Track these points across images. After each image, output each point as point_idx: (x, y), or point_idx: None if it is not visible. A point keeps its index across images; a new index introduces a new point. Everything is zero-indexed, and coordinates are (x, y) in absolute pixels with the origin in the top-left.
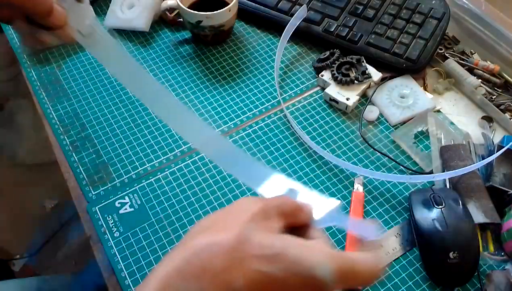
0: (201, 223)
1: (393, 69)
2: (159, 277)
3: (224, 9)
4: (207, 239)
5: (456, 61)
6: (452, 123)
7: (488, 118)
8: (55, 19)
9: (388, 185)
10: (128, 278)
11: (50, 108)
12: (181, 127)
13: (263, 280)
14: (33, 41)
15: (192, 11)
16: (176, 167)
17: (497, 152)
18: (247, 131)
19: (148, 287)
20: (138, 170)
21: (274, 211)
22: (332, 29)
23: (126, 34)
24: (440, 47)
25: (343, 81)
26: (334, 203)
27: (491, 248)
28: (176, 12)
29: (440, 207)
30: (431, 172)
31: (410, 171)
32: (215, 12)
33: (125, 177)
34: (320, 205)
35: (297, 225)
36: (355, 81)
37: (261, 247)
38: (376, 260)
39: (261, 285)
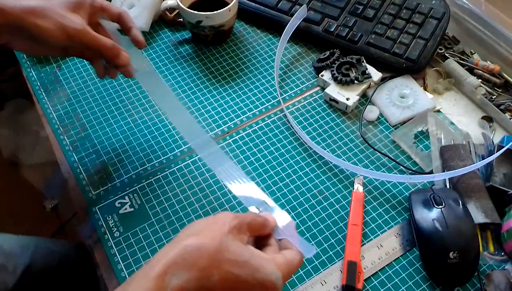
0: (190, 228)
1: (393, 69)
2: (160, 263)
3: (224, 9)
4: (196, 242)
5: (456, 61)
6: (452, 123)
7: (488, 118)
8: (121, 60)
9: (388, 185)
10: (128, 278)
11: (50, 108)
12: (208, 159)
13: (233, 279)
14: (104, 74)
15: (192, 11)
16: (176, 167)
17: (497, 151)
18: (247, 131)
19: (154, 270)
20: (138, 170)
21: (246, 227)
22: (332, 29)
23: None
24: (440, 47)
25: (343, 81)
26: (287, 219)
27: (491, 248)
28: (176, 12)
29: (440, 207)
30: (431, 172)
31: (410, 171)
32: (215, 12)
33: (125, 177)
34: (279, 220)
35: (261, 236)
36: (355, 81)
37: (234, 254)
38: (300, 255)
39: (231, 283)
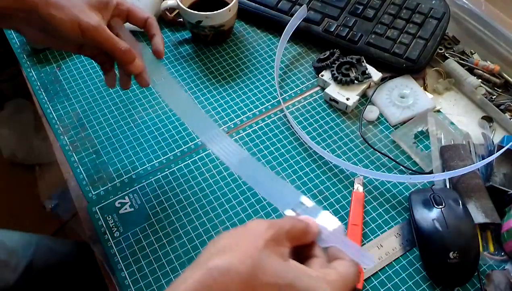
0: (215, 244)
1: (393, 69)
2: None
3: (224, 9)
4: (224, 263)
5: (456, 61)
6: (452, 123)
7: (488, 118)
8: (134, 67)
9: (388, 185)
10: (128, 278)
11: (50, 108)
12: (225, 156)
13: None
14: (114, 83)
15: (192, 11)
16: (176, 167)
17: (497, 151)
18: (247, 131)
19: None
20: (138, 170)
21: (285, 236)
22: (332, 29)
23: None
24: (440, 47)
25: (343, 81)
26: (336, 223)
27: (491, 248)
28: (176, 12)
29: (440, 207)
30: (431, 172)
31: (410, 171)
32: (215, 12)
33: (125, 177)
34: (325, 224)
35: (303, 245)
36: (355, 81)
37: (274, 276)
38: (355, 266)
39: None
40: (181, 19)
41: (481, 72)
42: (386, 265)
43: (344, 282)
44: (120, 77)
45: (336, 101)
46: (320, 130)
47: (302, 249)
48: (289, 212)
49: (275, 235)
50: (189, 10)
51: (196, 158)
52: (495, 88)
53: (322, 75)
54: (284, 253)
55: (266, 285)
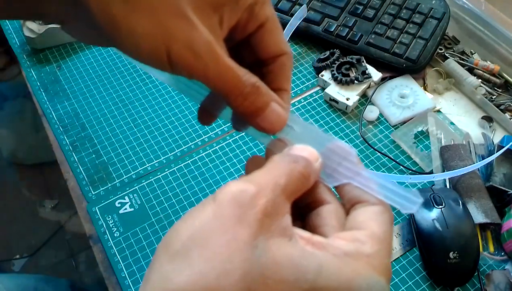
0: (174, 240)
1: (393, 69)
2: None
3: None
4: (187, 285)
5: (456, 61)
6: (452, 123)
7: (488, 118)
8: (268, 122)
9: None
10: (128, 278)
11: (50, 108)
12: None
13: None
14: (210, 120)
15: None
16: (176, 167)
17: (497, 151)
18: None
19: None
20: (138, 170)
21: (282, 198)
22: (332, 29)
23: None
24: (440, 47)
25: (343, 81)
26: (347, 149)
27: (491, 248)
28: None
29: (440, 207)
30: (431, 172)
31: (410, 171)
32: None
33: (125, 176)
34: (330, 151)
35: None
36: (355, 81)
37: (283, 284)
38: (389, 210)
39: None
40: None
41: (481, 72)
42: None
43: (387, 247)
44: (234, 120)
45: (336, 101)
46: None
47: (304, 198)
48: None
49: (268, 204)
50: None
51: (196, 158)
52: (495, 88)
53: (322, 75)
54: (286, 226)
55: None
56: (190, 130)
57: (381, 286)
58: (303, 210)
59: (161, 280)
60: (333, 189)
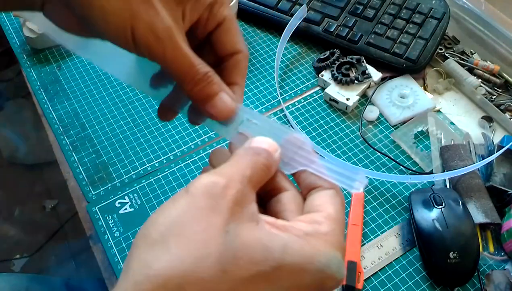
0: (151, 229)
1: (393, 69)
2: None
3: None
4: (170, 270)
5: (456, 61)
6: (452, 123)
7: (488, 118)
8: (215, 108)
9: (388, 185)
10: None
11: (50, 108)
12: None
13: None
14: (170, 116)
15: None
16: (176, 167)
17: (497, 151)
18: None
19: None
20: (138, 170)
21: (249, 187)
22: (332, 29)
23: None
24: (440, 47)
25: (343, 81)
26: (302, 138)
27: (491, 248)
28: None
29: (440, 207)
30: (431, 172)
31: (410, 171)
32: None
33: (125, 176)
34: (287, 141)
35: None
36: (355, 81)
37: (253, 264)
38: (340, 192)
39: None
40: None
41: (481, 72)
42: (386, 265)
43: (341, 226)
44: (190, 113)
45: (336, 101)
46: (320, 130)
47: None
48: (235, 136)
49: (238, 194)
50: None
51: (196, 158)
52: (495, 88)
53: (322, 75)
54: (253, 213)
55: (245, 282)
56: (190, 130)
57: (337, 260)
58: (264, 197)
59: (142, 267)
60: (290, 177)
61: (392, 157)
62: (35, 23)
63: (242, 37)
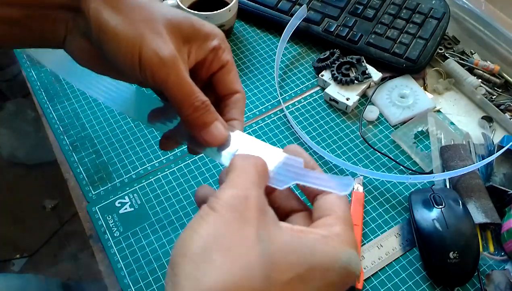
0: (185, 252)
1: (393, 69)
2: None
3: (224, 9)
4: (225, 283)
5: (456, 61)
6: (452, 123)
7: (488, 118)
8: (210, 137)
9: (388, 185)
10: (127, 278)
11: (50, 108)
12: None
13: None
14: (170, 146)
15: (192, 11)
16: (176, 167)
17: (497, 151)
18: (247, 131)
19: None
20: (138, 170)
21: (262, 193)
22: (332, 29)
23: None
24: (440, 47)
25: (343, 81)
26: (280, 155)
27: (491, 248)
28: None
29: (440, 207)
30: (431, 172)
31: (410, 171)
32: (215, 12)
33: (125, 176)
34: (276, 159)
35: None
36: (355, 81)
37: (291, 267)
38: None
39: None
40: None
41: (481, 72)
42: (386, 265)
43: (350, 224)
44: (189, 144)
45: (336, 101)
46: (320, 130)
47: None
48: (225, 160)
49: (257, 201)
50: (189, 10)
51: (196, 158)
52: (495, 88)
53: (322, 75)
54: (273, 214)
55: (286, 286)
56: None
57: (355, 256)
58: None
59: (192, 284)
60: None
61: (392, 157)
62: (43, 62)
63: (240, 80)
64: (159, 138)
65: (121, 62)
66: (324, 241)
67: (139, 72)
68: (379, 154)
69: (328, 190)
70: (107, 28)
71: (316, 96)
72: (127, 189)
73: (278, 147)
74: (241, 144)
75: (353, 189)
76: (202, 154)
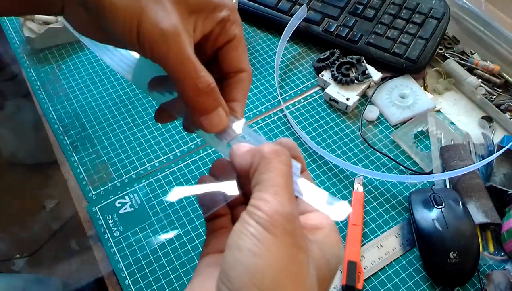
0: (256, 282)
1: (393, 69)
2: None
3: None
4: None
5: (456, 61)
6: (452, 123)
7: (488, 118)
8: (210, 123)
9: (388, 185)
10: (128, 278)
11: (50, 108)
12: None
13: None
14: (165, 119)
15: None
16: (176, 167)
17: (497, 151)
18: None
19: None
20: (138, 170)
21: (294, 202)
22: (332, 29)
23: None
24: (440, 47)
25: (343, 81)
26: (294, 163)
27: (491, 248)
28: None
29: (440, 207)
30: (431, 172)
31: (410, 171)
32: None
33: (125, 176)
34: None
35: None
36: (355, 81)
37: (325, 280)
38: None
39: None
40: None
41: (481, 72)
42: (386, 265)
43: (335, 228)
44: (185, 120)
45: (336, 101)
46: (320, 130)
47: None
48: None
49: (297, 218)
50: None
51: (196, 158)
52: (495, 88)
53: (322, 75)
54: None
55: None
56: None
57: (342, 253)
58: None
59: None
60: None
61: (392, 157)
62: None
63: (247, 57)
64: (159, 138)
65: (119, 35)
66: (331, 246)
67: (138, 47)
68: (379, 154)
69: (323, 212)
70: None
71: (316, 96)
72: (127, 188)
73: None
74: (240, 134)
75: (353, 189)
76: (195, 134)
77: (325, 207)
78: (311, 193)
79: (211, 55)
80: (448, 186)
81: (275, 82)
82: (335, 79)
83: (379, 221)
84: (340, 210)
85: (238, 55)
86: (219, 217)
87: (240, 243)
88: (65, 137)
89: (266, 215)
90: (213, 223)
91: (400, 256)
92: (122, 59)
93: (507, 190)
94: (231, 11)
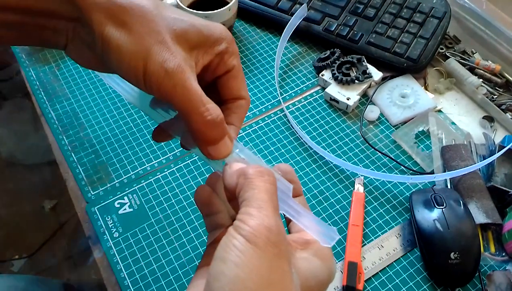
0: (236, 288)
1: (393, 68)
2: None
3: (224, 8)
4: None
5: (457, 60)
6: (453, 123)
7: (489, 118)
8: (217, 151)
9: (389, 185)
10: (127, 279)
11: (49, 108)
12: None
13: None
14: (164, 138)
15: (192, 10)
16: (176, 167)
17: (498, 152)
18: (247, 131)
19: None
20: (137, 170)
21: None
22: (333, 29)
23: None
24: (441, 46)
25: (344, 81)
26: (286, 183)
27: (492, 248)
28: None
29: (441, 207)
30: (432, 172)
31: (411, 171)
32: (215, 11)
33: (124, 177)
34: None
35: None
36: (356, 81)
37: (316, 286)
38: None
39: None
40: None
41: (482, 71)
42: (387, 266)
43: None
44: (183, 139)
45: (337, 101)
46: (320, 130)
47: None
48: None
49: (282, 229)
50: (189, 9)
51: (195, 158)
52: (496, 88)
53: (322, 75)
54: (288, 239)
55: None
56: None
57: (334, 266)
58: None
59: None
60: None
61: (393, 157)
62: None
63: (246, 85)
64: None
65: (124, 75)
66: (318, 259)
67: (144, 86)
68: (379, 154)
69: (312, 234)
70: (111, 41)
71: (317, 96)
72: (126, 189)
73: (278, 147)
74: (237, 153)
75: (354, 189)
76: (191, 152)
77: (313, 229)
78: (302, 214)
79: (210, 82)
80: (449, 186)
81: (275, 82)
82: (335, 79)
83: (380, 221)
84: (329, 235)
85: (238, 84)
86: (216, 214)
87: (224, 255)
88: (64, 137)
89: (250, 228)
90: (211, 219)
91: (401, 256)
92: (129, 86)
93: (508, 190)
94: (229, 43)
